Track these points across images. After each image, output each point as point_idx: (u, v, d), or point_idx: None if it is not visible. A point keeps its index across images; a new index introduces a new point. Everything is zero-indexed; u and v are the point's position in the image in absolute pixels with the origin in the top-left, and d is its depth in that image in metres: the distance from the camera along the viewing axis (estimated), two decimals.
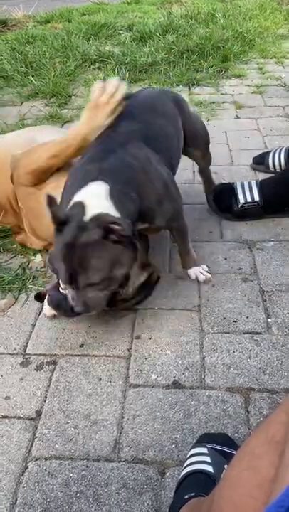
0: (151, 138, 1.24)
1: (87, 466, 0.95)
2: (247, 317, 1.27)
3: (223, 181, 1.82)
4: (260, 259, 1.48)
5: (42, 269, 1.48)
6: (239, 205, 1.63)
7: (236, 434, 0.98)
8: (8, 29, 4.31)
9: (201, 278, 1.39)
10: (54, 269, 1.08)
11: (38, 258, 1.52)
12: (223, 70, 3.13)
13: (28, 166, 1.39)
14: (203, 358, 1.16)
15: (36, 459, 0.96)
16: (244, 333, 1.23)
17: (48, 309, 1.26)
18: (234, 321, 1.26)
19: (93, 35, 3.83)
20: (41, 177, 1.39)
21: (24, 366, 1.17)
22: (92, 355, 1.19)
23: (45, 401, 1.08)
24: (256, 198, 1.62)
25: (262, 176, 1.86)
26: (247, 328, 1.24)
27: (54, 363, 1.17)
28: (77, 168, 1.21)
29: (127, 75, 2.99)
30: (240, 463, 0.53)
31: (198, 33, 3.54)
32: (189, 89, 2.90)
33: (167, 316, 1.30)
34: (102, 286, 1.06)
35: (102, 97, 1.28)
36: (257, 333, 1.23)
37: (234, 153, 2.12)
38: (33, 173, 1.38)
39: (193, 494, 0.80)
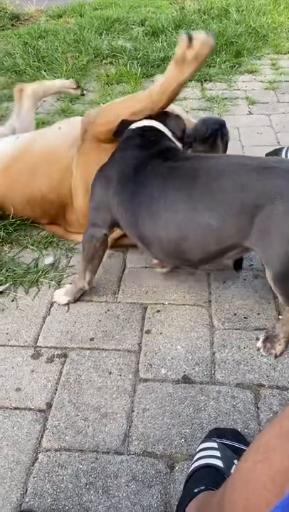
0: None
1: (96, 458, 0.95)
2: (258, 314, 1.27)
3: None
4: None
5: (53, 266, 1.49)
6: None
7: (246, 430, 0.98)
8: (21, 24, 4.31)
9: None
10: None
11: (50, 259, 1.51)
12: (236, 65, 3.11)
13: (107, 123, 1.34)
14: (214, 353, 1.16)
15: (46, 450, 0.97)
16: (255, 330, 1.22)
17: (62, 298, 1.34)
18: (245, 318, 1.26)
19: (105, 29, 3.82)
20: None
21: (35, 358, 1.18)
22: (103, 349, 1.19)
23: (55, 393, 1.09)
24: None
25: None
26: (258, 325, 1.24)
27: (65, 355, 1.18)
28: None
29: (139, 70, 2.99)
30: (254, 455, 0.53)
31: (211, 29, 3.51)
32: (202, 84, 2.88)
33: (178, 311, 1.30)
34: None
35: (190, 52, 1.24)
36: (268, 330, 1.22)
37: (246, 149, 2.11)
38: (112, 130, 1.33)
39: (202, 488, 0.80)
